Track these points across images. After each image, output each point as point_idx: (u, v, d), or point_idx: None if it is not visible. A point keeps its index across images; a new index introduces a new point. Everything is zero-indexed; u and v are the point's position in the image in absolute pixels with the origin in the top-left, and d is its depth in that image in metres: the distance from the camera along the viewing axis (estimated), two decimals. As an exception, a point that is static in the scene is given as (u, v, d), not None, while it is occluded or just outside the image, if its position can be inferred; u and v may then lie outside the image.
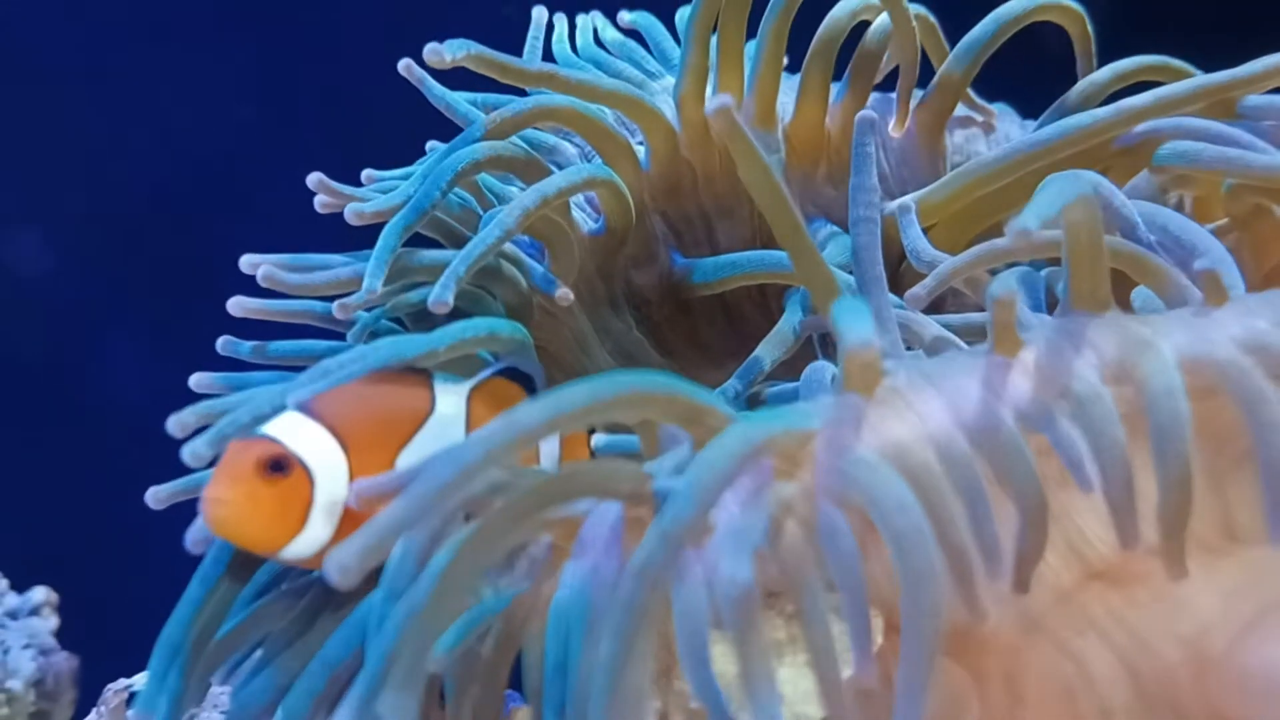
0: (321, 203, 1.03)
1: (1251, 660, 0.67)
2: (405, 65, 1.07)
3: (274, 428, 0.80)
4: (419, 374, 0.87)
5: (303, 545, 0.79)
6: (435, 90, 1.10)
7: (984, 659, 0.71)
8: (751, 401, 0.98)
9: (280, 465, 0.79)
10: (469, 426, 0.87)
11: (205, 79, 2.01)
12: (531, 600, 0.69)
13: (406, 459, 0.83)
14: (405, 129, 1.12)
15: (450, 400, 0.87)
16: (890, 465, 0.63)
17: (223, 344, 1.01)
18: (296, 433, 0.80)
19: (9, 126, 1.98)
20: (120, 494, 1.12)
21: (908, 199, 0.97)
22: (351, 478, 0.80)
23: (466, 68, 1.03)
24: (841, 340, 0.66)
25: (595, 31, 1.25)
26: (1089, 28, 1.10)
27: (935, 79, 1.13)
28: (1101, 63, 1.10)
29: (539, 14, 1.22)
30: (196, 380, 1.01)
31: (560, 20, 1.24)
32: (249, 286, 1.02)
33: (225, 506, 0.77)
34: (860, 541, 0.64)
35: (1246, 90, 0.95)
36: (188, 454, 0.79)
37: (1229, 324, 0.67)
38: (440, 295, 0.93)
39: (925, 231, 0.97)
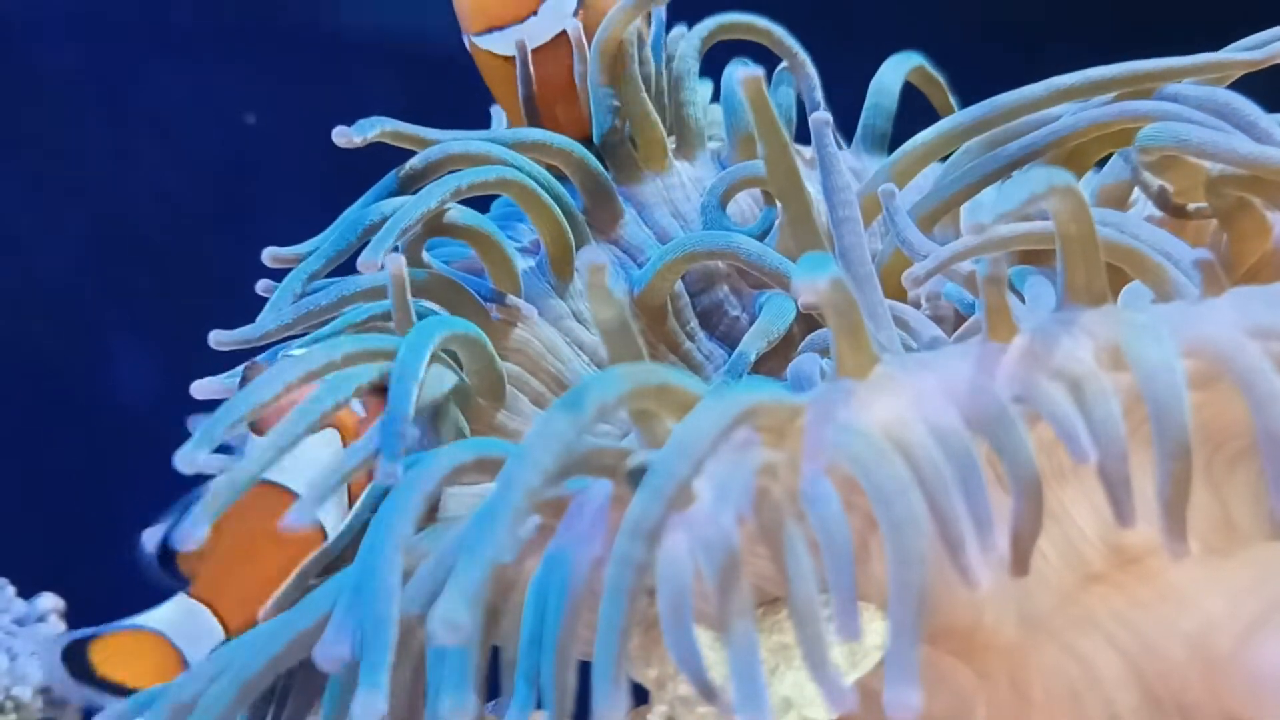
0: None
1: (1262, 659, 0.65)
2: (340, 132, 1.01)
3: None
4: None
5: None
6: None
7: (989, 659, 0.68)
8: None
9: None
10: None
11: (212, 87, 1.98)
12: (514, 574, 0.66)
13: None
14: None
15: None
16: (880, 434, 0.60)
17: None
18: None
19: (16, 134, 1.94)
20: (127, 499, 1.08)
21: (888, 184, 0.93)
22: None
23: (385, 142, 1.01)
24: (793, 284, 0.62)
25: None
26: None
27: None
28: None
29: (497, 111, 1.18)
30: (199, 387, 0.96)
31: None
32: (253, 295, 0.99)
33: None
34: (860, 540, 0.61)
35: (1171, 79, 0.92)
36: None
37: (1228, 311, 0.63)
38: (370, 255, 0.90)
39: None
